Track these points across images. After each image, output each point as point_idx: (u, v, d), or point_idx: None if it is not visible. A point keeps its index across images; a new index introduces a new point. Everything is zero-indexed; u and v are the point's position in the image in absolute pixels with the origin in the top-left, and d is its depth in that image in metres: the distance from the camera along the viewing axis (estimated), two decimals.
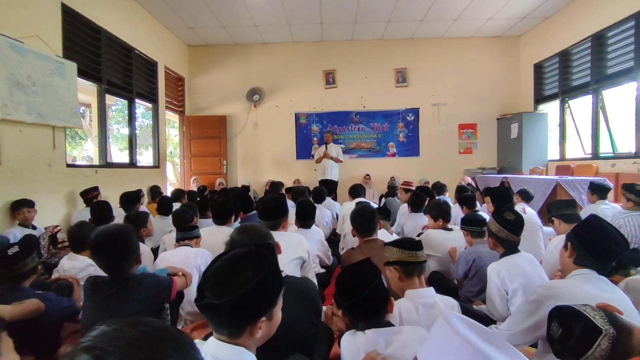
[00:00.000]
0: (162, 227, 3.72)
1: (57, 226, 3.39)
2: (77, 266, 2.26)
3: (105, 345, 0.51)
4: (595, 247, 1.46)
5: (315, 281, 2.30)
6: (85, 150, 10.31)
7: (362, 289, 1.26)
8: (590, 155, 5.67)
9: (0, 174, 3.27)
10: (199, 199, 4.81)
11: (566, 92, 6.16)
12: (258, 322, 0.96)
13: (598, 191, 3.59)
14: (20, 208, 3.27)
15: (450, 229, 2.94)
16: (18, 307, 1.57)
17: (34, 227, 3.39)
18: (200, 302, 0.92)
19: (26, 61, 3.45)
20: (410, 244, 1.66)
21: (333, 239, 3.98)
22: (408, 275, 1.62)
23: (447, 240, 2.81)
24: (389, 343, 1.24)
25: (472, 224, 2.53)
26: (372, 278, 1.29)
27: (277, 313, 1.04)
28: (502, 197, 3.23)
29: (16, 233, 3.14)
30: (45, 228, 3.36)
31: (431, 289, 1.61)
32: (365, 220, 2.33)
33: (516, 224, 1.94)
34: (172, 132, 9.59)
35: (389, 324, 1.33)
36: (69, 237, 2.44)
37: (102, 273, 1.69)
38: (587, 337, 0.99)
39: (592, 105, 5.58)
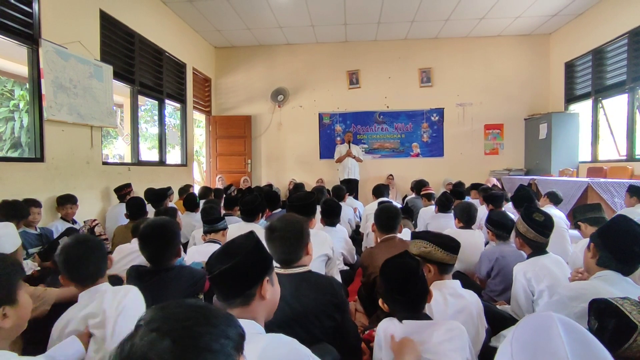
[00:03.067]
0: (189, 222, 3.87)
1: (94, 220, 3.59)
2: (125, 250, 2.42)
3: (165, 325, 0.57)
4: (618, 248, 1.45)
5: (339, 277, 2.35)
6: (116, 149, 10.77)
7: (414, 282, 1.33)
8: (625, 157, 5.45)
9: (45, 171, 3.51)
10: (224, 196, 4.96)
11: (600, 91, 5.93)
12: (263, 282, 1.10)
13: (638, 194, 3.47)
14: (65, 204, 3.50)
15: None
16: (63, 291, 1.72)
17: (74, 222, 3.61)
18: (212, 274, 1.06)
19: (69, 65, 3.68)
20: (453, 248, 1.66)
21: (356, 238, 4.02)
22: (442, 273, 1.65)
23: (471, 239, 2.80)
24: (424, 336, 1.28)
25: (498, 228, 2.47)
26: (418, 269, 1.36)
27: (276, 282, 1.20)
28: (524, 198, 3.19)
29: (58, 226, 3.36)
30: (84, 222, 3.58)
31: (457, 282, 1.64)
32: (388, 219, 2.37)
33: (545, 225, 1.92)
34: (198, 131, 9.88)
35: (427, 317, 1.38)
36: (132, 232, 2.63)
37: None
38: (621, 333, 1.00)
39: (627, 105, 5.36)
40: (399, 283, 1.34)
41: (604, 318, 1.06)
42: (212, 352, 0.57)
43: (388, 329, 1.34)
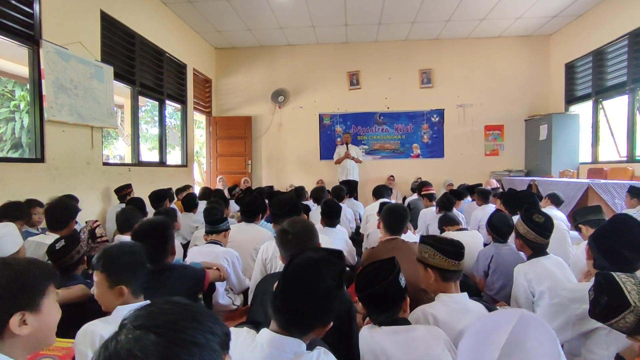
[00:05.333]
0: (188, 223, 3.86)
1: (96, 221, 3.58)
2: None
3: (151, 321, 0.57)
4: (608, 252, 1.44)
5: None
6: (116, 149, 10.76)
7: (375, 283, 1.32)
8: (625, 158, 5.45)
9: (45, 171, 3.52)
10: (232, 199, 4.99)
11: (600, 92, 5.94)
12: (327, 327, 1.04)
13: (639, 195, 3.45)
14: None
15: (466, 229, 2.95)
16: (66, 292, 1.71)
17: (75, 222, 3.60)
18: (284, 305, 0.97)
19: (69, 66, 3.68)
20: (454, 254, 1.56)
21: (356, 239, 4.02)
22: (444, 281, 1.57)
23: (470, 241, 2.80)
24: (403, 340, 1.28)
25: (494, 231, 2.47)
26: (387, 275, 1.33)
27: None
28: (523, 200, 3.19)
29: None
30: (85, 222, 3.57)
31: (465, 295, 1.57)
32: (395, 221, 2.33)
33: (545, 227, 1.92)
34: (198, 132, 9.88)
35: (405, 322, 1.37)
36: (116, 220, 2.66)
37: None
38: (612, 309, 1.04)
39: (628, 106, 5.37)
40: (365, 281, 1.36)
41: (600, 292, 1.09)
42: (198, 345, 0.56)
43: (366, 336, 1.34)
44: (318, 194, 4.38)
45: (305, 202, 4.25)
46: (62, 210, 2.61)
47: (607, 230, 1.51)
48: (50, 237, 2.32)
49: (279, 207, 2.56)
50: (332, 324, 1.05)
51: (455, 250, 1.56)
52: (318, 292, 0.98)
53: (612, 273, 1.10)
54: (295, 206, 2.51)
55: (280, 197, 2.85)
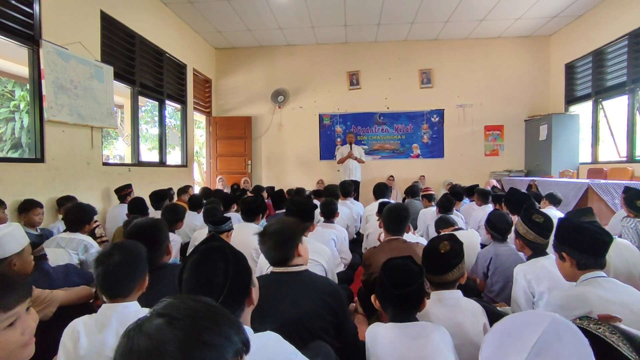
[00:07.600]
0: (191, 222, 3.86)
1: (95, 221, 3.58)
2: None
3: (174, 313, 0.61)
4: (592, 245, 1.46)
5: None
6: (116, 150, 10.76)
7: (413, 282, 1.33)
8: (625, 159, 5.45)
9: (45, 171, 3.51)
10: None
11: (600, 93, 5.94)
12: (251, 295, 1.08)
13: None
14: (66, 204, 3.48)
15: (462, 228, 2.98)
16: (69, 292, 1.70)
17: None
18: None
19: (69, 66, 3.68)
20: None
21: (356, 239, 4.02)
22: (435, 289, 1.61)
23: (467, 241, 2.80)
24: (414, 340, 1.28)
25: (492, 229, 2.47)
26: (420, 274, 1.36)
27: (257, 286, 1.14)
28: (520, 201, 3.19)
29: (59, 227, 3.35)
30: None
31: (458, 292, 1.59)
32: (396, 222, 2.33)
33: (545, 227, 1.91)
34: (198, 132, 9.88)
35: (415, 320, 1.37)
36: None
37: None
38: None
39: (628, 106, 5.37)
40: (398, 278, 1.34)
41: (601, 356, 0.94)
42: (209, 346, 0.59)
43: (374, 333, 1.34)
44: (330, 190, 4.42)
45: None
46: (81, 213, 2.71)
47: (576, 228, 1.51)
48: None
49: (293, 205, 2.61)
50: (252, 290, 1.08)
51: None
52: (216, 287, 1.01)
53: (595, 333, 0.96)
54: (310, 210, 2.56)
55: (297, 198, 2.86)
